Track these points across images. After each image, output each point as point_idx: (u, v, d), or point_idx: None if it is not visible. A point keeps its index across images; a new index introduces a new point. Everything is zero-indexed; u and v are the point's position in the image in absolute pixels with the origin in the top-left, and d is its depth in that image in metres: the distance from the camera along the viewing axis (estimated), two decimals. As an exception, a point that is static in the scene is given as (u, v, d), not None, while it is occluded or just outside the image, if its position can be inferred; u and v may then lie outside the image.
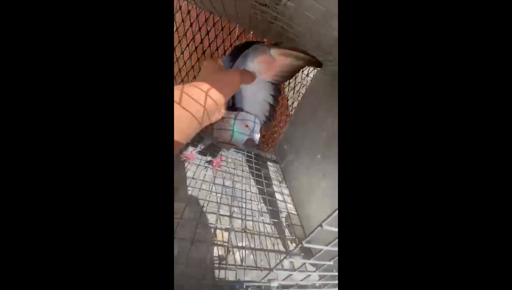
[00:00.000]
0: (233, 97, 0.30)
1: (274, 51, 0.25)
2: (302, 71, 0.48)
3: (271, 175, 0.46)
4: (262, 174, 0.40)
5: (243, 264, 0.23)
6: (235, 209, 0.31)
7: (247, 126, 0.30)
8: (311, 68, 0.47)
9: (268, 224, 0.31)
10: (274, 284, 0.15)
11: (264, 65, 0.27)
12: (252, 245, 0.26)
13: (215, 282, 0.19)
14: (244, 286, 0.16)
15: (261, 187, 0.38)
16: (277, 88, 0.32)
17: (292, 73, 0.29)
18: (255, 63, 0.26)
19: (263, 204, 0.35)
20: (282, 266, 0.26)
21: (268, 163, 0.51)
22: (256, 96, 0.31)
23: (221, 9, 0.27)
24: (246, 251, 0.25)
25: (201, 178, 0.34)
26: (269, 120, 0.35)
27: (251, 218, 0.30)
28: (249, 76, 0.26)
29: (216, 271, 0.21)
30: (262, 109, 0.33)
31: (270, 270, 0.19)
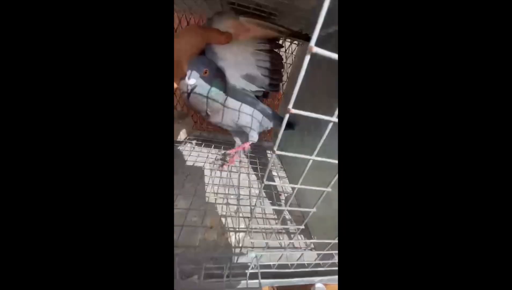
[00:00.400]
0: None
1: (244, 19, 0.22)
2: (286, 51, 0.46)
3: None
4: (257, 162, 0.40)
5: (239, 245, 0.24)
6: (231, 196, 0.32)
7: (206, 72, 0.23)
8: (295, 46, 0.45)
9: (263, 207, 0.31)
10: (252, 254, 0.15)
11: (237, 32, 0.24)
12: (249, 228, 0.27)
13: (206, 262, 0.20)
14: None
15: (256, 173, 0.38)
16: (267, 39, 0.26)
17: (271, 38, 0.26)
18: (225, 27, 0.23)
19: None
20: (280, 245, 0.26)
21: (267, 151, 0.51)
22: (239, 54, 0.25)
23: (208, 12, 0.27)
24: (241, 234, 0.26)
25: (199, 174, 0.35)
26: (275, 71, 0.27)
27: (247, 203, 0.31)
28: (218, 34, 0.23)
29: (211, 253, 0.22)
30: (254, 62, 0.26)
31: (265, 248, 0.19)
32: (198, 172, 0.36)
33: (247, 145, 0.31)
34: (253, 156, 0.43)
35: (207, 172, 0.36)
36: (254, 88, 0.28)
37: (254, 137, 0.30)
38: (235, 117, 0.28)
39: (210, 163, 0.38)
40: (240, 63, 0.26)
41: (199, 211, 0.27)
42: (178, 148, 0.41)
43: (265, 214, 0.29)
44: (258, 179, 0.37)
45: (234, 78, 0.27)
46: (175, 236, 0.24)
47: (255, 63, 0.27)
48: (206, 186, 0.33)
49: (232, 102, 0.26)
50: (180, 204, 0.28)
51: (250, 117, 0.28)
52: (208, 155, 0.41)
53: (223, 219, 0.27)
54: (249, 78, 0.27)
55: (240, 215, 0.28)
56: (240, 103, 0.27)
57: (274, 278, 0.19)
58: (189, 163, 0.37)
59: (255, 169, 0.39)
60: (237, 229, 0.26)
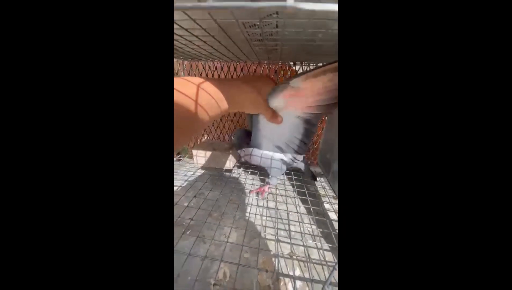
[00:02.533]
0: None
1: (294, 81, 0.22)
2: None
3: (320, 192, 0.41)
4: (306, 192, 0.37)
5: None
6: (281, 232, 0.29)
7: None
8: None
9: (321, 249, 0.26)
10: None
11: (290, 99, 0.24)
12: (307, 275, 0.23)
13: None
14: None
15: (307, 207, 0.34)
16: (311, 121, 0.29)
17: (334, 93, 0.23)
18: (280, 100, 0.25)
19: (314, 226, 0.31)
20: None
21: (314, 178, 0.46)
22: (278, 128, 0.29)
23: (230, 54, 0.32)
24: (299, 282, 0.22)
25: (245, 202, 0.36)
26: (305, 143, 0.32)
27: (301, 243, 0.27)
28: (275, 115, 0.25)
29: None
30: (288, 135, 0.31)
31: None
32: (247, 202, 0.36)
33: (266, 188, 0.39)
34: (300, 185, 0.40)
35: (255, 201, 0.36)
36: (280, 156, 0.36)
37: (273, 183, 0.39)
38: (268, 164, 0.37)
39: (255, 192, 0.38)
40: (275, 137, 0.33)
41: (251, 247, 0.26)
42: (227, 174, 0.44)
43: (326, 261, 0.25)
44: (308, 213, 0.34)
45: (266, 147, 0.35)
46: (229, 273, 0.23)
47: (289, 135, 0.32)
48: (254, 217, 0.32)
49: (265, 156, 0.36)
50: (232, 237, 0.28)
51: (277, 170, 0.37)
52: (253, 183, 0.41)
53: (275, 260, 0.25)
54: (279, 149, 0.35)
55: (295, 257, 0.25)
56: (270, 160, 0.37)
57: None
58: (238, 192, 0.39)
59: (304, 201, 0.36)
60: (293, 276, 0.23)
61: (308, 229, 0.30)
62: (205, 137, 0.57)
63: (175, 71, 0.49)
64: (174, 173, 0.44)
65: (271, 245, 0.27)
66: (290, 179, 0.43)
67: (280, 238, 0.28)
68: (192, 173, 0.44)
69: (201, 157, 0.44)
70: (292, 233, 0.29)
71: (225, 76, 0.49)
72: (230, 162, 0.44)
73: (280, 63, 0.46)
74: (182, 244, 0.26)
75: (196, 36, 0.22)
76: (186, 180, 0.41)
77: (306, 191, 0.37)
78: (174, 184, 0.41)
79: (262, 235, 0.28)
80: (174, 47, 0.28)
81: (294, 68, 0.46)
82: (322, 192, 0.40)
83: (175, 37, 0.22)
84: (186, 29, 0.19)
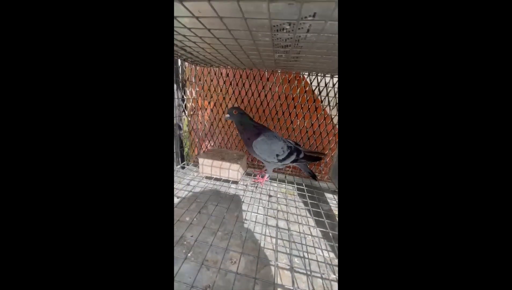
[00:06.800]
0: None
1: None
2: (326, 85, 0.43)
3: (335, 212, 0.37)
4: (322, 212, 0.33)
5: None
6: (296, 260, 0.25)
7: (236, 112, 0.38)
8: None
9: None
10: None
11: None
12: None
13: None
14: None
15: (325, 230, 0.30)
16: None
17: None
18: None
19: (331, 253, 0.27)
20: None
21: (327, 195, 0.43)
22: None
23: (248, 61, 0.31)
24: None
25: (253, 219, 0.32)
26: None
27: (319, 275, 0.23)
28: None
29: None
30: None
31: None
32: (255, 220, 0.32)
33: (266, 178, 0.43)
34: (315, 203, 0.36)
35: (264, 220, 0.32)
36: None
37: (269, 173, 0.42)
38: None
39: (264, 207, 0.35)
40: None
41: (263, 281, 0.22)
42: (233, 187, 0.41)
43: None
44: (324, 237, 0.30)
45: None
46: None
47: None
48: (264, 239, 0.28)
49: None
50: (240, 263, 0.25)
51: (269, 165, 0.40)
52: (260, 198, 0.38)
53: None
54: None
55: (314, 295, 0.21)
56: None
57: None
58: (245, 207, 0.35)
59: (320, 224, 0.32)
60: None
61: (325, 255, 0.27)
62: (212, 144, 0.55)
63: (186, 77, 0.48)
64: (177, 183, 0.41)
65: (285, 277, 0.23)
66: (302, 196, 0.40)
67: (296, 268, 0.24)
68: (196, 182, 0.41)
69: (207, 166, 0.41)
70: (307, 260, 0.25)
71: (237, 84, 0.48)
72: (238, 173, 0.41)
73: (294, 72, 0.45)
74: (183, 269, 0.23)
75: (218, 39, 0.20)
76: (190, 191, 0.38)
77: (322, 212, 0.33)
78: (176, 195, 0.37)
79: (274, 262, 0.25)
80: (188, 51, 0.27)
81: (307, 79, 0.44)
82: (337, 212, 0.37)
83: (196, 41, 0.20)
84: (208, 29, 0.18)
